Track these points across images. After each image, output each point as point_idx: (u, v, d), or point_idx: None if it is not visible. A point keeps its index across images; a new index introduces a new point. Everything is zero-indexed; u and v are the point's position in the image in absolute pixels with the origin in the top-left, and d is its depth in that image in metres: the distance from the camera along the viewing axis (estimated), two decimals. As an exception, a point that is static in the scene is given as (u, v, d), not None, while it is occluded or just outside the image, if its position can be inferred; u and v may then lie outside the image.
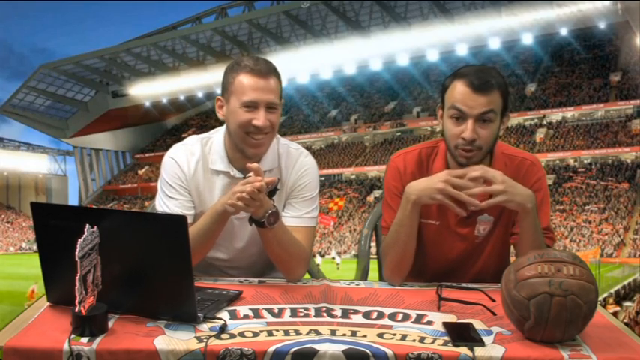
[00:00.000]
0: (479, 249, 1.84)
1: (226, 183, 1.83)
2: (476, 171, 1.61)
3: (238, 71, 1.73)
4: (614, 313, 10.38)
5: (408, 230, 1.71)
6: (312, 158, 1.93)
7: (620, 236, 31.76)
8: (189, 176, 1.82)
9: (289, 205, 1.86)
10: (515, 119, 41.62)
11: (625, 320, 11.15)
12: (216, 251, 1.89)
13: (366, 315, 1.45)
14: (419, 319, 1.43)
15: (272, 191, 1.81)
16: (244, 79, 1.72)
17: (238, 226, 1.86)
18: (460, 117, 1.68)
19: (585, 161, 39.14)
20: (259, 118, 1.71)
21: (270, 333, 1.30)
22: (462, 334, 1.30)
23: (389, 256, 1.76)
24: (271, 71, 1.74)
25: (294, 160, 1.88)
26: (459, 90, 1.68)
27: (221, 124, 1.87)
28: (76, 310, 1.25)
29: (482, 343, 1.26)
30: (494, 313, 1.47)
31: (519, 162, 1.81)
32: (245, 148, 1.76)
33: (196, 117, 58.21)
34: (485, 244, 1.83)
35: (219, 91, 1.82)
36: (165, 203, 1.81)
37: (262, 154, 1.81)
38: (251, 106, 1.71)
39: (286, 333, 1.30)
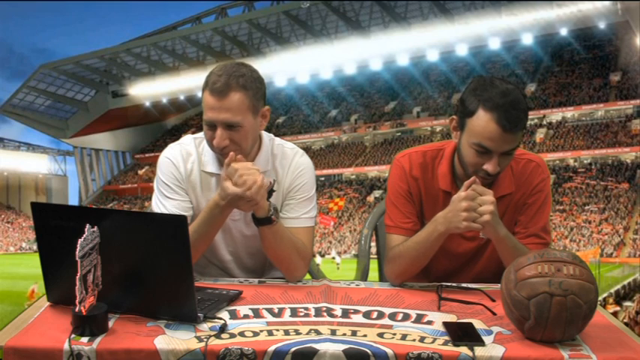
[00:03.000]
0: (481, 249, 1.85)
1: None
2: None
3: (204, 87, 1.70)
4: (614, 313, 10.38)
5: (431, 252, 1.72)
6: (308, 157, 1.91)
7: (620, 236, 31.77)
8: (186, 176, 1.81)
9: (287, 206, 1.84)
10: (515, 119, 41.56)
11: (625, 320, 11.14)
12: (215, 252, 1.89)
13: (366, 315, 1.45)
14: (419, 319, 1.43)
15: (269, 193, 1.81)
16: (206, 97, 1.68)
17: (235, 227, 1.86)
18: (484, 152, 1.64)
19: (585, 161, 39.16)
20: (216, 138, 1.69)
21: (270, 333, 1.30)
22: (462, 333, 1.30)
23: (400, 263, 1.74)
24: (231, 88, 1.65)
25: (290, 160, 1.86)
26: (487, 127, 1.60)
27: None
28: (77, 309, 1.25)
29: (482, 343, 1.26)
30: (494, 313, 1.47)
31: (525, 163, 1.81)
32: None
33: (196, 117, 58.14)
34: (488, 245, 1.83)
35: None
36: (163, 203, 1.80)
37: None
38: (211, 125, 1.70)
39: (286, 333, 1.30)
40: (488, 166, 1.64)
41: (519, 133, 1.63)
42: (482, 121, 1.61)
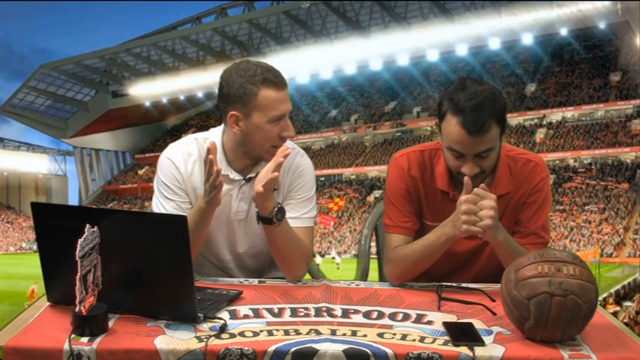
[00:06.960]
0: (481, 249, 1.84)
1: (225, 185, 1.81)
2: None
3: (259, 85, 1.68)
4: (614, 313, 10.37)
5: (436, 255, 1.72)
6: (308, 158, 1.91)
7: (620, 236, 31.77)
8: (186, 177, 1.81)
9: (287, 206, 1.82)
10: (515, 119, 41.64)
11: (625, 320, 11.14)
12: (215, 251, 1.89)
13: (366, 315, 1.45)
14: (419, 319, 1.43)
15: None
16: (271, 94, 1.68)
17: (238, 227, 1.86)
18: (459, 156, 1.66)
19: (585, 161, 39.15)
20: (289, 129, 1.73)
21: (270, 333, 1.30)
22: (462, 333, 1.30)
23: (402, 265, 1.74)
24: (284, 79, 1.73)
25: (290, 160, 1.85)
26: (454, 130, 1.62)
27: (220, 123, 1.85)
28: (77, 310, 1.25)
29: (482, 343, 1.26)
30: (494, 313, 1.47)
31: (523, 163, 1.81)
32: (268, 158, 1.72)
33: (196, 117, 58.20)
34: (487, 244, 1.82)
35: None
36: (163, 204, 1.80)
37: None
38: (281, 118, 1.71)
39: (286, 333, 1.30)
40: (465, 169, 1.65)
41: (488, 134, 1.61)
42: (450, 125, 1.64)
